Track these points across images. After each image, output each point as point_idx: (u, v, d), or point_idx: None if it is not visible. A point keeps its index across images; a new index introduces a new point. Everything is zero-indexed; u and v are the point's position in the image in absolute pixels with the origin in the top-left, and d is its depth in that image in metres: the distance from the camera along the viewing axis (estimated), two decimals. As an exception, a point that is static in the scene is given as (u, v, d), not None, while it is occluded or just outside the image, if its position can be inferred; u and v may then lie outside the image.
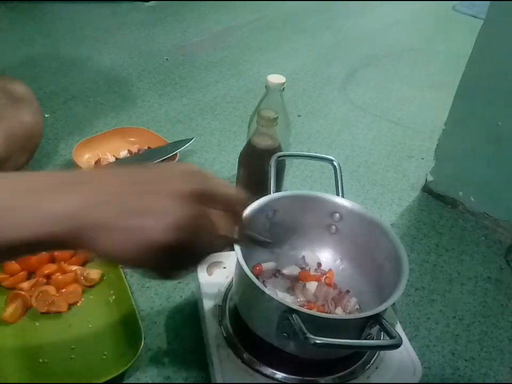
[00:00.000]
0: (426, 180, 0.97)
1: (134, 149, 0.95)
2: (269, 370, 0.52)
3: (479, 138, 0.87)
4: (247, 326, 0.54)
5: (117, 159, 0.92)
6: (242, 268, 0.49)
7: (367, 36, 1.74)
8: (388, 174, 1.02)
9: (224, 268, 0.64)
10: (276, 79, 0.80)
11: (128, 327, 0.61)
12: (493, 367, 0.66)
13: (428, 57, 1.63)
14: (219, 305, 0.59)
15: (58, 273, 0.67)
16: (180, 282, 0.71)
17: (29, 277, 0.67)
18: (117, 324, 0.62)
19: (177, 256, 0.36)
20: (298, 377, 0.52)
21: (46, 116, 1.03)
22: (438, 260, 0.82)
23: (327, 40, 1.67)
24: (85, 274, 0.67)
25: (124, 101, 1.16)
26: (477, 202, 0.91)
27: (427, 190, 0.97)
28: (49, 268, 0.67)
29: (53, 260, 0.69)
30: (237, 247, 0.51)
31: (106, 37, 1.49)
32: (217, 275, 0.63)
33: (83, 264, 0.70)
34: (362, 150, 1.09)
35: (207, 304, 0.59)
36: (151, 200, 0.34)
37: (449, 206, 0.95)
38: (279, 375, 0.52)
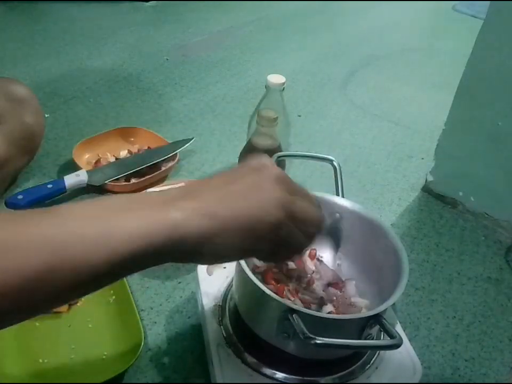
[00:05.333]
0: (426, 180, 0.97)
1: (134, 149, 0.95)
2: (269, 370, 0.52)
3: (479, 138, 0.87)
4: (247, 326, 0.54)
5: (117, 159, 0.92)
6: (242, 268, 0.49)
7: (367, 35, 1.74)
8: (388, 174, 1.02)
9: (224, 267, 0.64)
10: (276, 79, 0.80)
11: (128, 327, 0.61)
12: (493, 367, 0.66)
13: (428, 57, 1.63)
14: (219, 305, 0.59)
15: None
16: (180, 282, 0.71)
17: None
18: (117, 324, 0.62)
19: (287, 233, 0.37)
20: (298, 377, 0.52)
21: (46, 116, 1.03)
22: (438, 259, 0.82)
23: (327, 40, 1.67)
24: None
25: (124, 101, 1.16)
26: (477, 202, 0.91)
27: (427, 190, 0.97)
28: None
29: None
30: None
31: (106, 37, 1.49)
32: (217, 275, 0.63)
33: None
34: (362, 150, 1.09)
35: (207, 304, 0.59)
36: (255, 184, 0.35)
37: (449, 206, 0.95)
38: (279, 375, 0.52)
